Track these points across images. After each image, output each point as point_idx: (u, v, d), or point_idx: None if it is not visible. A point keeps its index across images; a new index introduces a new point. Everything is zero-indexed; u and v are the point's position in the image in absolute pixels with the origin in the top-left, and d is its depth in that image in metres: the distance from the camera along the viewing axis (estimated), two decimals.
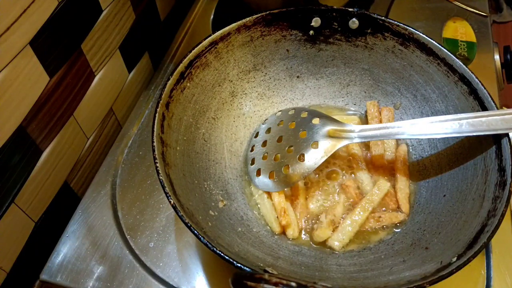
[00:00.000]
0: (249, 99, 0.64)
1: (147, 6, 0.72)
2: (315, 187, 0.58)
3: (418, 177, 0.58)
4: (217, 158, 0.59)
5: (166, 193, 0.45)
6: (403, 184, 0.57)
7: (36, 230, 0.57)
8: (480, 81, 0.53)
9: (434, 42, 0.57)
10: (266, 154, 0.58)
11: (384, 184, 0.56)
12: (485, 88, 0.52)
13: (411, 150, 0.61)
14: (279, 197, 0.55)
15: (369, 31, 0.61)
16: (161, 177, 0.46)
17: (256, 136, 0.62)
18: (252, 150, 0.61)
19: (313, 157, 0.54)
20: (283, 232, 0.54)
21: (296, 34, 0.63)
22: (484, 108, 0.52)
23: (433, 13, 0.82)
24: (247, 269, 0.41)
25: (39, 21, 0.49)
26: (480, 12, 0.81)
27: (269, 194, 0.56)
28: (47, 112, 0.54)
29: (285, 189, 0.57)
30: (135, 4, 0.68)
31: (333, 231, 0.54)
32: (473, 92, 0.54)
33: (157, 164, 0.47)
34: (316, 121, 0.57)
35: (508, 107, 0.69)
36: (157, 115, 0.50)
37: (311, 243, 0.54)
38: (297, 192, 0.57)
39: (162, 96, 0.52)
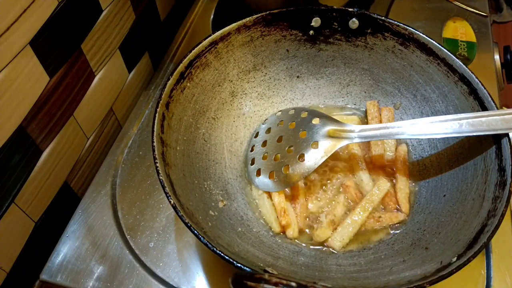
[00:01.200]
0: (249, 99, 0.64)
1: (147, 6, 0.72)
2: (315, 187, 0.58)
3: (418, 177, 0.58)
4: (217, 158, 0.59)
5: (166, 193, 0.45)
6: (403, 184, 0.57)
7: (36, 230, 0.57)
8: (480, 81, 0.53)
9: (434, 42, 0.57)
10: (266, 154, 0.58)
11: (384, 184, 0.56)
12: (485, 88, 0.52)
13: (411, 150, 0.61)
14: (279, 197, 0.55)
15: (369, 31, 0.61)
16: (161, 177, 0.46)
17: (256, 136, 0.62)
18: (252, 150, 0.61)
19: (313, 157, 0.54)
20: (283, 232, 0.54)
21: (296, 34, 0.63)
22: (484, 108, 0.52)
23: (433, 13, 0.82)
24: (247, 269, 0.41)
25: (39, 21, 0.49)
26: (480, 12, 0.81)
27: (269, 194, 0.56)
28: (47, 112, 0.54)
29: (285, 189, 0.57)
30: (135, 4, 0.68)
31: (333, 231, 0.54)
32: (473, 92, 0.54)
33: (157, 164, 0.47)
34: (316, 121, 0.57)
35: (508, 107, 0.69)
36: (157, 115, 0.50)
37: (311, 243, 0.54)
38: (297, 192, 0.57)
39: (162, 96, 0.52)
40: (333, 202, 0.56)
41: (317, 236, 0.53)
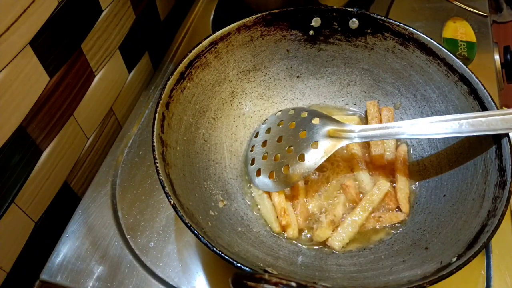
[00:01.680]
0: (249, 99, 0.64)
1: (147, 6, 0.72)
2: (315, 187, 0.58)
3: (418, 177, 0.58)
4: (217, 158, 0.59)
5: (166, 193, 0.45)
6: (403, 184, 0.57)
7: (36, 230, 0.57)
8: (480, 81, 0.53)
9: (434, 42, 0.57)
10: (266, 154, 0.58)
11: (384, 184, 0.56)
12: (485, 88, 0.52)
13: (411, 150, 0.61)
14: (279, 197, 0.55)
15: (369, 31, 0.61)
16: (161, 177, 0.46)
17: (256, 136, 0.62)
18: (252, 150, 0.61)
19: (313, 157, 0.54)
20: (283, 232, 0.54)
21: (296, 34, 0.63)
22: (484, 108, 0.52)
23: (433, 13, 0.82)
24: (247, 269, 0.41)
25: (39, 21, 0.49)
26: (480, 12, 0.81)
27: (269, 194, 0.56)
28: (47, 112, 0.54)
29: (285, 189, 0.57)
30: (135, 4, 0.68)
31: (333, 231, 0.54)
32: (473, 92, 0.54)
33: (157, 164, 0.47)
34: (316, 121, 0.56)
35: (508, 107, 0.69)
36: (157, 115, 0.50)
37: (311, 243, 0.54)
38: (297, 192, 0.57)
39: (162, 96, 0.52)
40: (333, 202, 0.56)
41: (317, 236, 0.53)
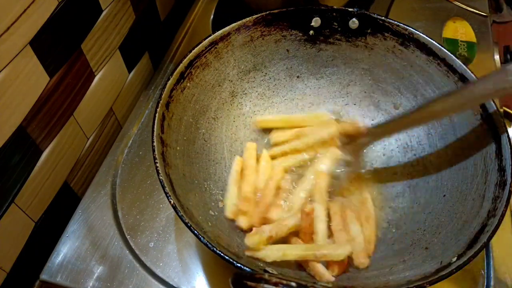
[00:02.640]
0: (249, 99, 0.64)
1: (147, 6, 0.72)
2: (284, 195, 0.55)
3: (418, 177, 0.58)
4: (217, 158, 0.59)
5: (166, 193, 0.45)
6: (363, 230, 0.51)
7: (36, 230, 0.57)
8: None
9: (434, 42, 0.57)
10: None
11: (343, 248, 0.48)
12: None
13: (411, 150, 0.60)
14: (249, 187, 0.54)
15: (369, 31, 0.61)
16: (161, 177, 0.46)
17: None
18: None
19: None
20: (234, 220, 0.52)
21: (296, 34, 0.63)
22: (484, 108, 0.52)
23: (433, 13, 0.82)
24: (247, 269, 0.41)
25: (39, 21, 0.49)
26: (480, 12, 0.81)
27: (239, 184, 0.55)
28: (47, 112, 0.54)
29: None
30: (135, 4, 0.68)
31: (266, 244, 0.48)
32: None
33: (157, 164, 0.47)
34: None
35: (508, 107, 0.69)
36: (157, 115, 0.50)
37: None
38: (267, 192, 0.54)
39: (162, 96, 0.52)
40: (285, 220, 0.51)
41: (246, 240, 0.49)
